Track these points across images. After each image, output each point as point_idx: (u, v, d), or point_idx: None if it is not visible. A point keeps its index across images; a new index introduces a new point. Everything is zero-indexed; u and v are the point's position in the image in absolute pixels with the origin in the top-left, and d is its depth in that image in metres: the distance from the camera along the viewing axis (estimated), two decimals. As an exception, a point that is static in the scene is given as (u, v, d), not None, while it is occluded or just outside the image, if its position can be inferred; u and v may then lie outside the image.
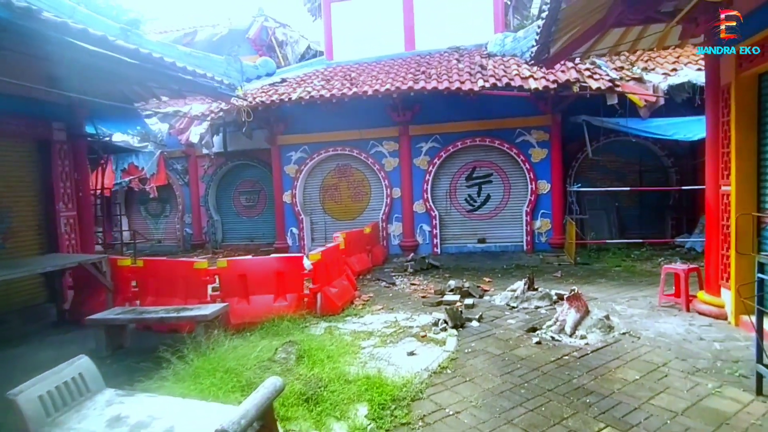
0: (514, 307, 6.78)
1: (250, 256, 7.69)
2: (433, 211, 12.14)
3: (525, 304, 6.78)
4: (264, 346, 5.32)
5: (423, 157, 12.20)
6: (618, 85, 9.46)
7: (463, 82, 10.26)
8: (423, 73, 11.29)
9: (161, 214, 17.03)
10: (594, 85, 9.41)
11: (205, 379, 4.17)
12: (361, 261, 10.30)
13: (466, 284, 7.84)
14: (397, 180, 12.40)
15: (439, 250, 12.17)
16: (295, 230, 13.48)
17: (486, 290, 7.98)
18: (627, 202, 11.91)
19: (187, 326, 6.01)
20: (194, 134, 14.06)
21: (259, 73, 10.15)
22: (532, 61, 7.80)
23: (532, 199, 11.46)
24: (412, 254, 11.34)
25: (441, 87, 10.24)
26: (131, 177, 15.07)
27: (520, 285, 7.14)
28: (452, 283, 7.90)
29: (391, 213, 12.57)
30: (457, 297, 7.36)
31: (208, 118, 13.60)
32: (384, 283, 9.21)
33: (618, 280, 8.39)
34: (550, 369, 4.44)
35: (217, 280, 7.07)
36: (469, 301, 7.12)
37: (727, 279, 5.46)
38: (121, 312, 6.27)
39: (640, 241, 10.74)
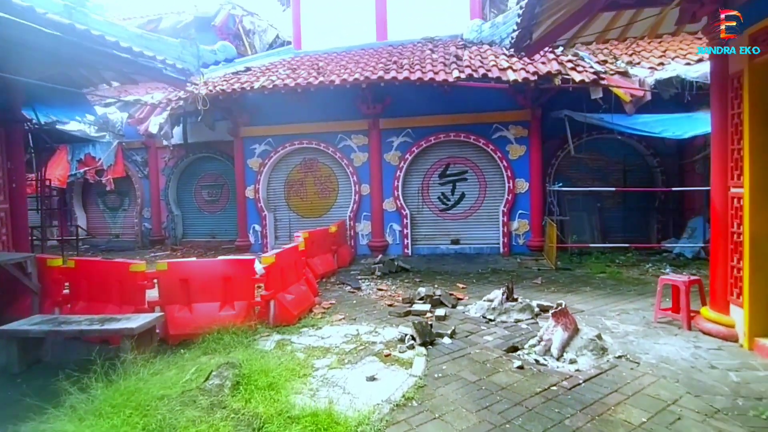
0: (491, 320, 6.09)
1: (194, 259, 6.80)
2: (404, 210, 11.42)
3: (503, 317, 6.10)
4: (198, 368, 4.50)
5: (394, 152, 11.47)
6: (603, 78, 8.88)
7: (436, 73, 9.55)
8: (394, 63, 10.53)
9: (119, 207, 15.94)
10: (577, 77, 8.82)
11: (108, 419, 3.32)
12: (325, 262, 9.51)
13: (438, 292, 7.12)
14: (367, 176, 11.63)
15: (410, 251, 11.47)
16: (257, 227, 12.59)
17: (460, 299, 7.28)
18: (610, 203, 11.41)
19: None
20: (154, 124, 12.98)
21: (218, 58, 9.32)
22: (512, 49, 7.12)
23: (510, 198, 10.84)
24: (380, 255, 10.59)
25: (413, 77, 9.51)
26: (87, 168, 13.96)
27: (497, 294, 6.45)
28: (422, 290, 7.18)
29: (360, 211, 11.80)
30: (427, 307, 6.63)
31: (168, 108, 12.64)
32: (349, 288, 8.45)
33: (604, 288, 7.79)
34: (535, 404, 3.70)
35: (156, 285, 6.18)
36: (440, 311, 6.39)
37: (739, 295, 4.79)
38: (38, 322, 5.39)
39: (627, 245, 10.19)
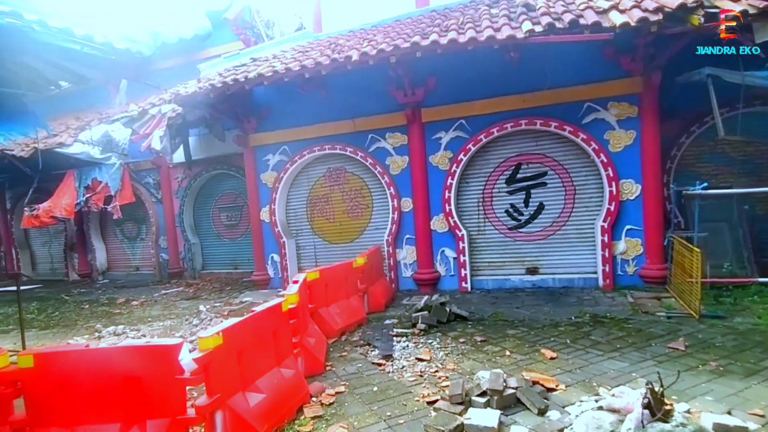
0: (626, 470, 2.99)
1: (82, 344, 4.24)
2: (460, 230, 8.40)
3: (652, 460, 2.97)
4: None
5: (443, 152, 8.50)
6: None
7: (498, 29, 6.55)
8: (437, 26, 7.65)
9: (137, 237, 14.19)
10: (736, 7, 5.44)
11: None
12: (347, 311, 6.74)
13: (512, 381, 4.06)
14: (407, 187, 8.75)
15: (468, 285, 8.41)
16: (276, 257, 10.04)
17: (551, 389, 4.17)
18: (764, 207, 7.76)
19: None
20: (156, 139, 10.91)
21: (184, 35, 6.89)
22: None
23: (612, 208, 7.51)
24: (426, 296, 7.59)
25: (463, 40, 6.59)
26: (88, 195, 12.19)
27: (631, 399, 3.33)
28: (484, 376, 4.10)
29: (401, 233, 8.92)
30: (494, 419, 3.58)
31: (166, 117, 10.58)
32: (375, 353, 5.63)
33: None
34: None
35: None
36: (519, 428, 3.36)
37: None
38: None
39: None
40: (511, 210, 8.43)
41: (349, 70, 7.40)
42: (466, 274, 8.41)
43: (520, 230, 8.40)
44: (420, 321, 6.46)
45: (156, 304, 9.86)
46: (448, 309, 6.70)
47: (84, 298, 11.32)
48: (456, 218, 8.42)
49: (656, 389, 3.22)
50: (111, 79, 12.90)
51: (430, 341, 5.89)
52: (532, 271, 8.30)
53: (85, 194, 12.26)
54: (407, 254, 8.87)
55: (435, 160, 8.54)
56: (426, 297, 7.41)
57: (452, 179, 8.41)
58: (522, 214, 8.38)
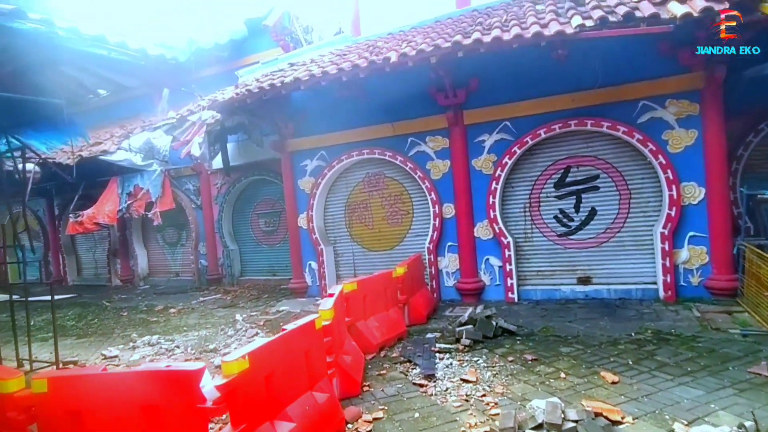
0: None
1: (99, 367, 4.06)
2: (505, 237, 7.97)
3: None
4: None
5: (486, 155, 8.10)
6: None
7: (545, 26, 6.13)
8: (480, 25, 7.28)
9: (177, 242, 14.38)
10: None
11: None
12: (386, 324, 6.44)
13: (571, 413, 3.64)
14: (449, 192, 8.39)
15: (515, 296, 7.96)
16: (314, 265, 9.86)
17: (616, 422, 3.73)
18: None
19: None
20: (196, 145, 11.00)
21: (219, 40, 6.78)
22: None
23: (672, 213, 6.91)
24: (470, 308, 7.20)
25: (507, 37, 6.20)
26: (129, 201, 12.43)
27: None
28: (539, 406, 3.71)
29: (442, 240, 8.55)
30: (554, 460, 3.21)
31: (206, 123, 10.65)
32: (416, 372, 5.29)
33: None
34: None
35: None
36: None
37: None
38: None
39: None
40: (560, 216, 7.94)
41: (388, 72, 7.14)
42: (512, 284, 7.96)
43: (571, 237, 7.89)
44: (464, 336, 6.09)
45: (193, 312, 9.85)
46: (494, 323, 6.29)
47: (124, 305, 11.45)
48: (501, 224, 7.99)
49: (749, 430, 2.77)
50: (153, 88, 13.10)
51: (475, 359, 5.51)
52: (585, 280, 7.78)
53: (127, 201, 12.50)
54: (449, 262, 8.50)
55: (478, 164, 8.15)
56: (470, 308, 7.03)
57: (497, 184, 7.99)
58: (572, 220, 7.87)
